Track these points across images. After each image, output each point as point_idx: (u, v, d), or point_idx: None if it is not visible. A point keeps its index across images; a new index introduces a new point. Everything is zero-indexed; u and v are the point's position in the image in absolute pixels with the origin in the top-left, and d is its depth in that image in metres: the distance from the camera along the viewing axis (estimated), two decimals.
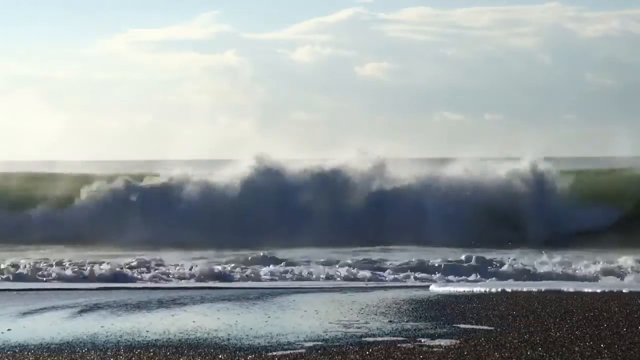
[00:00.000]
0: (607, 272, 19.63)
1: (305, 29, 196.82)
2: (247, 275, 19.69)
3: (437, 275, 19.82)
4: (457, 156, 32.22)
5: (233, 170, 31.40)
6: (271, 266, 20.49)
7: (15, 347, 11.44)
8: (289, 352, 10.83)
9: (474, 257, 21.13)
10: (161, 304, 15.43)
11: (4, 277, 19.52)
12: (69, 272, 19.84)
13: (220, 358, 10.54)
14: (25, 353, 11.02)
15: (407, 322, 13.12)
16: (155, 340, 11.76)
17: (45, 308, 14.99)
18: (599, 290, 16.65)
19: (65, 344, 11.57)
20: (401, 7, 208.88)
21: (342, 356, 10.56)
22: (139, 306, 15.17)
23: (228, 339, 11.77)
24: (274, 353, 10.78)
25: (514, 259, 21.07)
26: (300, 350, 10.92)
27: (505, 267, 20.41)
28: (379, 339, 11.70)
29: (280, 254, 22.62)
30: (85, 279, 19.40)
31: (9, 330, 12.75)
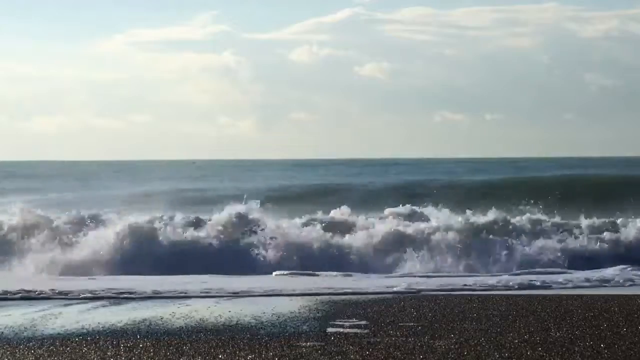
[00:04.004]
0: None
1: (304, 29, 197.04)
2: None
3: None
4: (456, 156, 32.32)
5: None
6: None
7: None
8: (288, 351, 10.85)
9: None
10: None
11: None
12: None
13: (221, 358, 10.55)
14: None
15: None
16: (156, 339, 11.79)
17: None
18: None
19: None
20: (400, 7, 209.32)
21: (342, 356, 10.56)
22: None
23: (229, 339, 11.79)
24: (274, 352, 10.78)
25: None
26: (300, 350, 10.93)
27: None
28: (379, 339, 11.71)
29: None
30: None
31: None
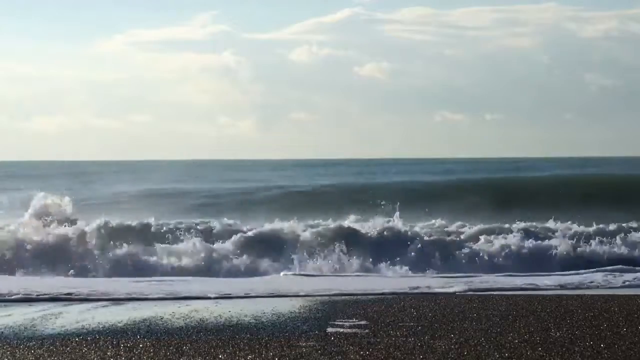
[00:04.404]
0: None
1: (304, 29, 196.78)
2: None
3: None
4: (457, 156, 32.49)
5: None
6: None
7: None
8: (288, 351, 10.84)
9: None
10: None
11: None
12: None
13: (221, 358, 10.54)
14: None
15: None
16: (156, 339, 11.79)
17: None
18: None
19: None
20: (400, 7, 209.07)
21: (342, 356, 10.56)
22: None
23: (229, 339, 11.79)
24: (274, 352, 10.77)
25: None
26: (300, 350, 10.93)
27: None
28: (379, 339, 11.70)
29: None
30: None
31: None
